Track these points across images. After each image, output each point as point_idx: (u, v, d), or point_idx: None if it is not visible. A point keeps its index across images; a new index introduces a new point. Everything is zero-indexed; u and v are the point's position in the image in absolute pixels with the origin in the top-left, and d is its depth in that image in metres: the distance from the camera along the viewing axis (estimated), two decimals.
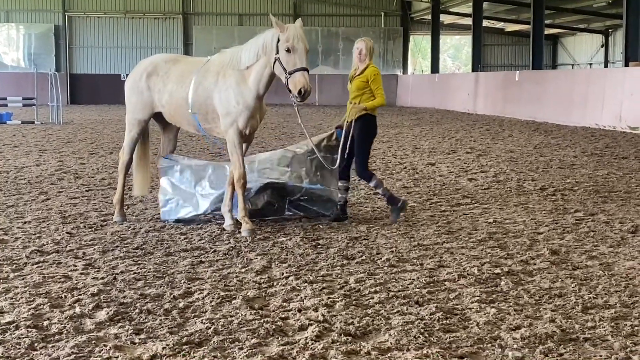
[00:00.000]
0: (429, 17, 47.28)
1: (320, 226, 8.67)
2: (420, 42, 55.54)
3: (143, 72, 8.85)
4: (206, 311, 5.52)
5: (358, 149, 8.80)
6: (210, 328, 5.11)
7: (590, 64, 51.90)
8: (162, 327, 5.17)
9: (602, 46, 51.46)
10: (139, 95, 8.82)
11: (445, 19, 50.04)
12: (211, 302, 5.73)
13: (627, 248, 7.55)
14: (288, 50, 7.84)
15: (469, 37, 43.70)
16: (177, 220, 8.80)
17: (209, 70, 8.50)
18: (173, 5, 50.08)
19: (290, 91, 7.90)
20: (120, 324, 5.22)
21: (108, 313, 5.41)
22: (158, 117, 9.01)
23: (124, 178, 9.11)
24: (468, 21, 44.00)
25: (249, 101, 8.24)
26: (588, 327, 5.19)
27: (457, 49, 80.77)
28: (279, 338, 4.97)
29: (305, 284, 6.22)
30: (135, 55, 49.85)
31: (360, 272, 6.62)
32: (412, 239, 8.00)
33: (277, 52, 7.92)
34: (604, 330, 5.10)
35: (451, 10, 47.43)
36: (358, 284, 6.24)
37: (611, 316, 5.40)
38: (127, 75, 44.47)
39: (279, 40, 7.94)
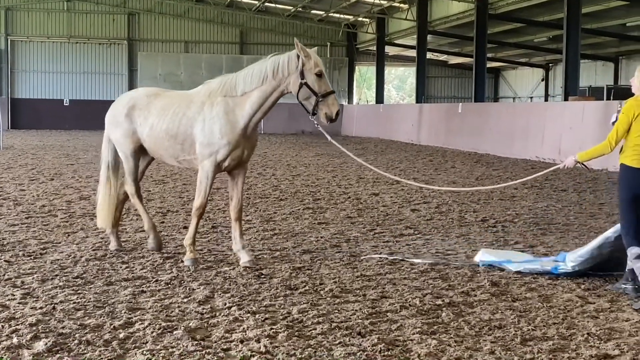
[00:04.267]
0: (374, 48, 47.87)
1: (264, 256, 8.66)
2: (365, 73, 56.18)
3: (123, 107, 8.64)
4: (147, 342, 5.46)
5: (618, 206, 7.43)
6: (150, 359, 5.06)
7: (531, 98, 53.00)
8: (102, 358, 5.10)
9: (542, 80, 52.65)
10: (121, 129, 8.61)
11: (390, 50, 50.72)
12: (152, 332, 5.66)
13: (566, 280, 7.68)
14: (319, 75, 7.86)
15: (413, 68, 44.32)
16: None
17: (193, 100, 8.29)
18: (118, 31, 49.81)
19: (312, 113, 7.95)
20: (58, 355, 5.13)
21: (46, 344, 5.31)
22: None
23: (142, 204, 8.85)
24: (412, 53, 44.63)
25: (236, 133, 8.04)
26: (526, 358, 5.27)
27: (401, 80, 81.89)
28: None
29: (248, 315, 6.20)
30: (79, 80, 49.44)
31: (304, 303, 6.62)
32: (355, 270, 8.03)
33: (303, 78, 7.85)
34: None
35: (396, 42, 48.08)
36: (301, 315, 6.24)
37: (549, 348, 5.50)
38: (69, 100, 43.81)
39: (303, 65, 7.87)
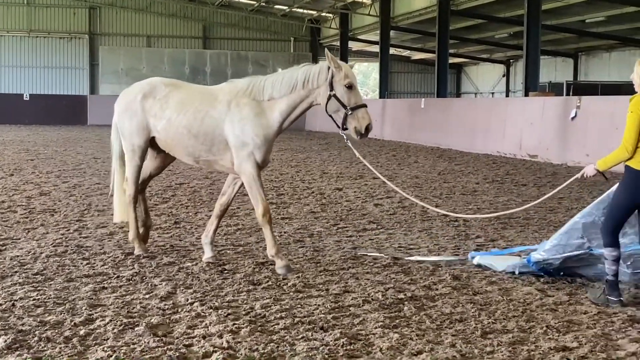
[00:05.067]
0: (338, 43, 47.93)
1: (227, 251, 8.64)
2: None
3: (138, 93, 8.20)
4: (108, 339, 5.42)
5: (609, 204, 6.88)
6: (111, 356, 5.03)
7: (493, 93, 53.45)
8: (62, 355, 5.05)
9: (503, 76, 53.16)
10: (133, 118, 8.15)
11: (353, 45, 50.86)
12: (113, 329, 5.63)
13: (526, 274, 7.76)
14: (349, 87, 7.48)
15: (377, 64, 44.51)
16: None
17: (218, 98, 7.88)
18: (79, 25, 49.35)
19: (342, 127, 7.58)
20: (18, 352, 5.08)
21: (6, 341, 5.25)
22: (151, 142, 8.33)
23: (135, 212, 8.37)
24: (375, 48, 44.84)
25: (270, 134, 7.73)
26: (487, 351, 5.33)
27: (365, 75, 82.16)
28: None
29: (211, 310, 6.18)
30: (39, 75, 48.86)
31: (266, 298, 6.63)
32: (318, 264, 8.05)
33: (332, 89, 7.49)
34: (502, 355, 5.25)
35: (359, 37, 48.22)
36: (264, 310, 6.24)
37: (509, 341, 5.56)
38: (29, 95, 42.97)
39: (332, 77, 7.51)
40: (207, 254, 8.07)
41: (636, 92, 6.57)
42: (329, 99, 7.54)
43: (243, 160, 7.69)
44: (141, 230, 8.54)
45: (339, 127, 7.66)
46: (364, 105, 7.56)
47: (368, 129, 7.48)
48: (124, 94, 8.48)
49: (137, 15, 50.09)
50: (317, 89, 7.63)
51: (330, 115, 7.68)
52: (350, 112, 7.49)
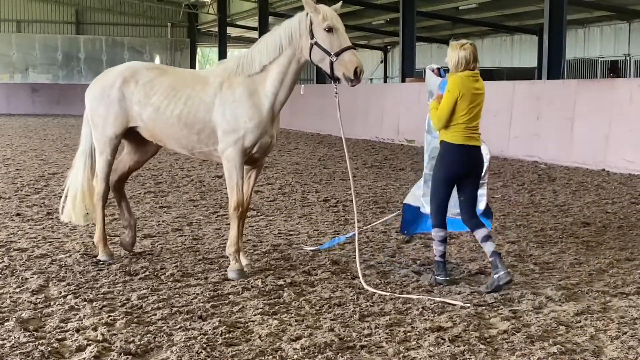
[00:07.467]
0: (216, 29, 47.50)
1: None
2: (207, 54, 55.63)
3: (117, 78, 7.38)
4: None
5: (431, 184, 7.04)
6: None
7: (371, 79, 54.18)
8: None
9: (381, 62, 53.92)
10: (110, 106, 7.34)
11: (232, 31, 50.48)
12: None
13: (402, 257, 7.92)
14: (329, 30, 6.70)
15: None
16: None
17: (209, 82, 7.17)
18: None
19: (333, 77, 6.87)
20: None
21: None
22: (129, 133, 7.55)
23: (103, 211, 7.67)
24: (255, 35, 44.58)
25: (264, 115, 7.04)
26: (364, 334, 5.40)
27: None
28: None
29: (85, 303, 6.02)
30: None
31: (144, 289, 6.50)
32: (197, 253, 7.96)
33: (312, 37, 6.77)
34: (379, 337, 5.33)
35: (238, 23, 47.91)
36: (140, 301, 6.13)
37: (386, 323, 5.65)
38: None
39: (311, 23, 6.78)
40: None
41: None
42: (311, 47, 6.83)
43: (229, 146, 7.02)
44: (127, 231, 7.87)
45: (329, 77, 6.94)
46: (350, 47, 6.75)
47: (357, 72, 6.71)
48: (97, 80, 7.66)
49: None
50: (300, 40, 6.92)
51: (319, 68, 6.97)
52: (335, 59, 6.74)
